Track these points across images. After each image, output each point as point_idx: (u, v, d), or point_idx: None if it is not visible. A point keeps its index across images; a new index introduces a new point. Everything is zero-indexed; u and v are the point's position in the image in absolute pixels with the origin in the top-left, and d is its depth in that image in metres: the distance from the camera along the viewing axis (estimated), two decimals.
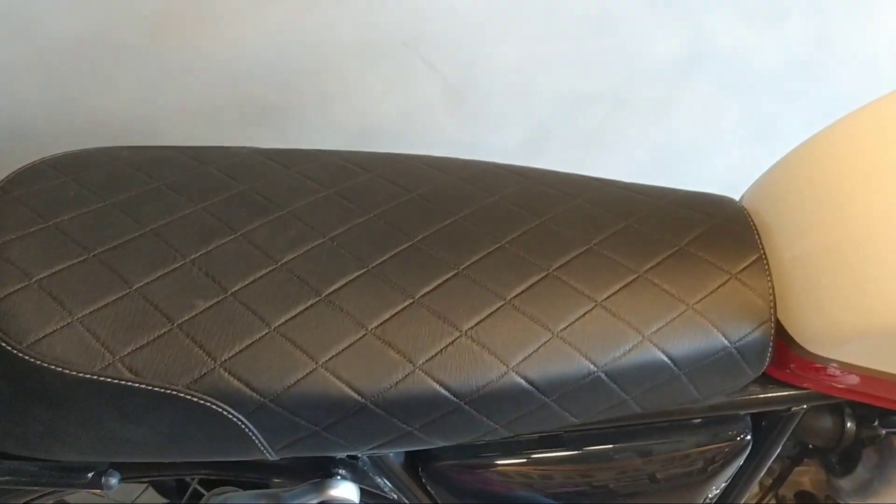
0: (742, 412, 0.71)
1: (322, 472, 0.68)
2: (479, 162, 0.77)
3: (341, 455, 0.68)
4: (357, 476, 0.69)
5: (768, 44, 1.43)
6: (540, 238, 0.67)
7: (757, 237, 0.67)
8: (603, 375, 0.62)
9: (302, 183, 0.69)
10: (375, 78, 1.41)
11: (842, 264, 0.62)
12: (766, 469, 0.73)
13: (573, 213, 0.69)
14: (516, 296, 0.63)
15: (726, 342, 0.63)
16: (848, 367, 0.63)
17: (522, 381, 0.60)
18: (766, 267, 0.65)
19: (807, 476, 0.85)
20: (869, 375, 0.63)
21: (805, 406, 0.71)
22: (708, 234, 0.68)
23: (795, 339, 0.64)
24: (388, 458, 0.70)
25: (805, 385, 0.66)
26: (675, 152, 1.60)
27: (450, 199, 0.69)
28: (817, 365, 0.64)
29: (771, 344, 0.64)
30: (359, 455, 0.70)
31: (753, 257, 0.66)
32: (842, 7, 1.39)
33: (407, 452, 0.71)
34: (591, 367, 0.61)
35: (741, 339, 0.63)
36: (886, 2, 1.39)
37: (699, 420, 0.72)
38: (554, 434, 0.71)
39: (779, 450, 0.73)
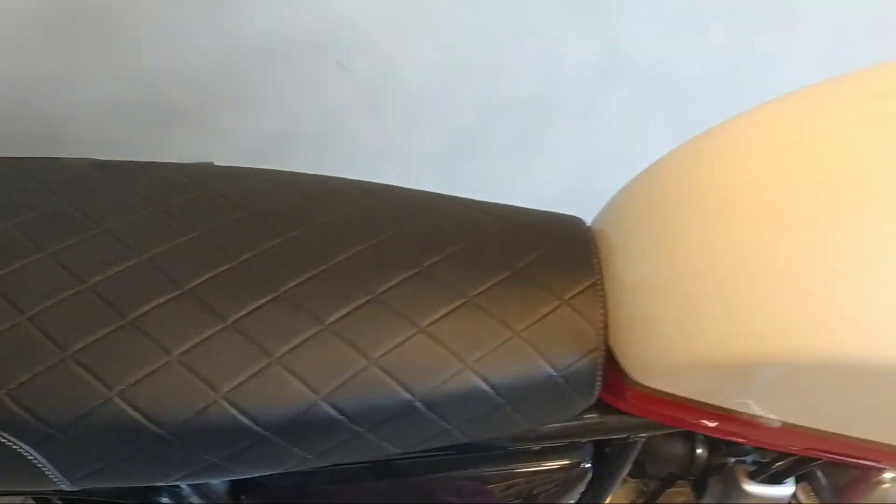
0: (582, 439, 0.69)
1: (141, 499, 0.66)
2: (329, 178, 0.74)
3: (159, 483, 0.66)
4: (180, 502, 0.67)
5: (690, 51, 1.41)
6: (369, 260, 0.65)
7: (596, 261, 0.65)
8: (420, 405, 0.60)
9: (128, 199, 0.67)
10: (290, 80, 1.39)
11: (670, 294, 0.60)
12: (609, 495, 0.71)
13: (411, 233, 0.67)
14: (336, 320, 0.60)
15: (552, 371, 0.61)
16: (676, 399, 0.61)
17: (332, 411, 0.58)
18: (601, 293, 0.63)
19: (681, 497, 0.83)
20: (697, 408, 0.61)
21: (646, 434, 0.69)
22: (546, 257, 0.65)
23: (623, 368, 0.62)
24: (212, 485, 0.68)
25: (640, 414, 0.65)
26: (600, 158, 1.58)
27: (283, 218, 0.67)
28: (647, 395, 0.62)
29: (600, 373, 0.62)
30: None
31: (588, 283, 0.64)
32: (763, 15, 1.37)
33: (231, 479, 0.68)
34: (408, 395, 0.59)
35: (567, 368, 0.61)
36: (806, 9, 1.37)
37: (539, 447, 0.70)
38: (386, 461, 0.69)
39: (622, 476, 0.71)
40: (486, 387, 0.60)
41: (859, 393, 0.56)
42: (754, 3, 1.35)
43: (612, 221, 0.68)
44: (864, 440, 0.60)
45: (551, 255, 0.66)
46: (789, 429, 0.61)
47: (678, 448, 0.73)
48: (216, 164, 1.57)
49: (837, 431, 0.60)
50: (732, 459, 0.73)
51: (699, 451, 0.73)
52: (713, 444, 0.73)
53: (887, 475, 0.70)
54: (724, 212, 0.60)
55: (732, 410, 0.61)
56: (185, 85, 1.38)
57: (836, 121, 0.61)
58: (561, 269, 0.65)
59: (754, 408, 0.60)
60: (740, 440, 0.65)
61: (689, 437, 0.73)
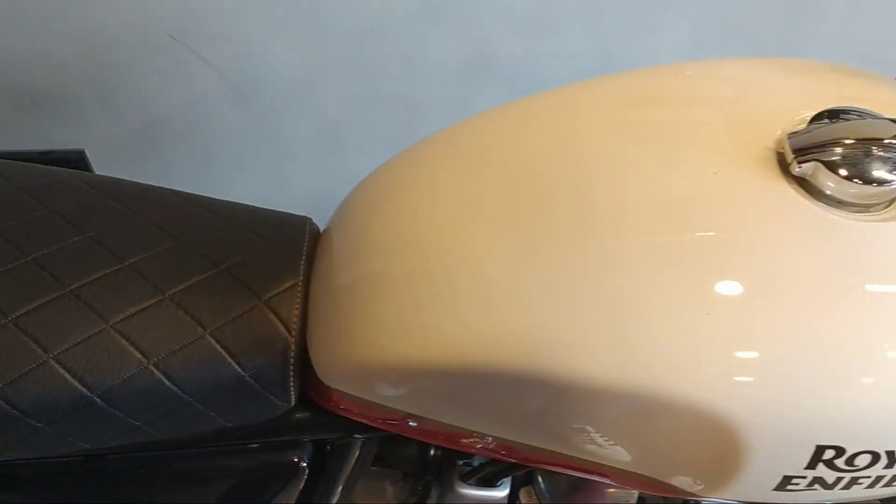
0: (290, 437, 0.70)
1: None
2: (49, 169, 0.74)
3: None
4: None
5: (550, 53, 1.41)
6: (76, 255, 0.64)
7: (303, 262, 0.65)
8: (98, 401, 0.60)
9: None
10: (150, 70, 1.38)
11: (347, 297, 0.60)
12: (335, 495, 0.71)
13: (128, 229, 0.67)
14: (21, 315, 0.60)
15: (240, 370, 0.61)
16: (360, 401, 0.61)
17: (8, 407, 0.58)
18: (300, 294, 0.64)
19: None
20: (382, 410, 0.61)
21: (361, 436, 0.70)
22: (255, 257, 0.66)
23: (315, 368, 0.62)
24: None
25: (341, 413, 0.65)
26: None
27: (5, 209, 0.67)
28: (340, 396, 0.62)
29: (291, 374, 0.62)
30: None
31: (290, 283, 0.64)
32: (622, 21, 1.38)
33: None
34: (85, 392, 0.59)
35: (256, 368, 0.61)
36: (662, 14, 1.37)
37: (257, 445, 0.70)
38: (100, 456, 0.69)
39: (344, 476, 0.71)
40: (169, 384, 0.60)
41: (524, 402, 0.56)
42: (613, 8, 1.36)
43: (337, 222, 0.68)
44: (553, 452, 0.60)
45: (261, 255, 0.66)
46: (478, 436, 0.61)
47: (411, 447, 0.74)
48: (88, 150, 1.56)
49: (520, 441, 0.60)
50: (461, 462, 0.73)
51: (432, 451, 0.74)
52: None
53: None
54: (406, 218, 0.60)
55: (414, 414, 0.61)
56: (42, 72, 1.37)
57: (567, 125, 0.61)
58: (267, 269, 0.65)
59: (432, 413, 0.60)
60: (443, 444, 0.65)
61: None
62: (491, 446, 0.62)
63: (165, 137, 1.49)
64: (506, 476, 0.71)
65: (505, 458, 0.64)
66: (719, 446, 0.53)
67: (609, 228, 0.54)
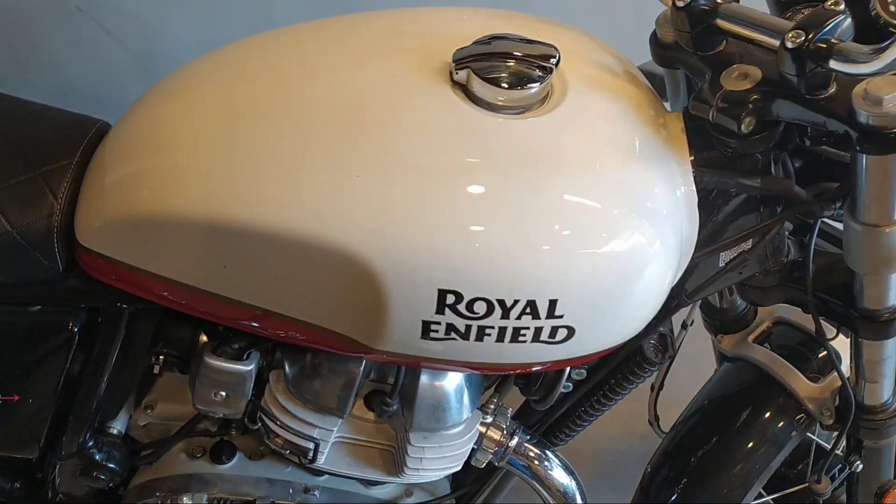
0: (71, 304, 0.80)
1: None
2: None
3: None
4: None
5: None
6: None
7: (81, 147, 0.77)
8: None
9: None
10: (59, 40, 1.51)
11: (110, 161, 0.73)
12: (109, 367, 0.80)
13: None
14: None
15: (8, 227, 0.73)
16: (115, 262, 0.72)
17: None
18: (71, 171, 0.75)
19: None
20: (134, 273, 0.72)
21: (129, 306, 0.80)
22: (44, 141, 0.78)
23: (75, 231, 0.74)
24: None
25: (103, 280, 0.76)
26: None
27: None
28: (99, 260, 0.74)
29: (56, 236, 0.73)
30: None
31: (65, 161, 0.76)
32: None
33: None
34: None
35: (24, 228, 0.73)
36: None
37: (36, 309, 0.81)
38: None
39: (115, 347, 0.80)
40: None
41: (226, 252, 0.68)
42: None
43: (118, 122, 0.80)
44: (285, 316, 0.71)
45: (48, 140, 0.78)
46: (212, 299, 0.72)
47: (184, 330, 0.83)
48: None
49: (257, 304, 0.71)
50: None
51: (202, 336, 0.84)
52: (210, 326, 0.83)
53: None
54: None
55: (160, 276, 0.72)
56: None
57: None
58: (50, 150, 0.77)
59: (175, 272, 0.71)
60: (188, 311, 0.76)
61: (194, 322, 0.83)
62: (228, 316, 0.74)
63: (76, 104, 1.62)
64: (250, 350, 0.81)
65: (247, 329, 0.76)
66: (365, 290, 0.65)
67: (304, 108, 0.68)
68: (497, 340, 0.67)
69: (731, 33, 0.68)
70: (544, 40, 0.71)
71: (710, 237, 0.76)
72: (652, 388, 1.06)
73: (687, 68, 0.73)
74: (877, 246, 0.70)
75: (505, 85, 0.66)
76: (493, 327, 0.66)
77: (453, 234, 0.63)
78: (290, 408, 0.81)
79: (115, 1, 1.46)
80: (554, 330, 0.68)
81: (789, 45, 0.60)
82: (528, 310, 0.66)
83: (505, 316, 0.65)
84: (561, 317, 0.67)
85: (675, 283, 0.75)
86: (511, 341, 0.68)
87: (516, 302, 0.65)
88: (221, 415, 0.85)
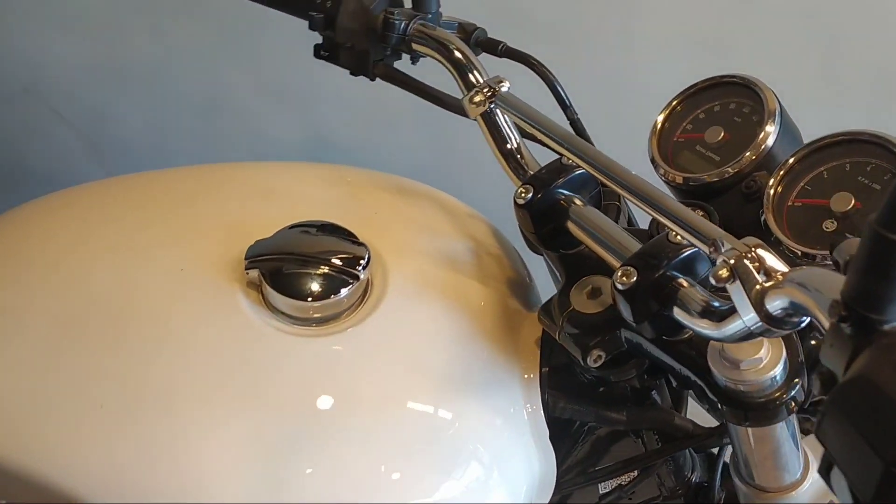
0: None
1: None
2: None
3: None
4: None
5: (385, 143, 1.44)
6: None
7: None
8: None
9: None
10: (10, 121, 1.46)
11: None
12: None
13: None
14: None
15: None
16: None
17: None
18: None
19: None
20: None
21: None
22: None
23: None
24: None
25: None
26: None
27: None
28: None
29: None
30: None
31: None
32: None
33: None
34: None
35: None
36: None
37: None
38: None
39: None
40: None
41: None
42: None
43: None
44: None
45: None
46: None
47: None
48: None
49: None
50: None
51: None
52: None
53: None
54: None
55: None
56: None
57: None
58: None
59: None
60: None
61: None
62: None
63: (29, 183, 1.56)
64: None
65: None
66: None
67: (62, 310, 0.56)
68: None
69: (580, 241, 0.55)
70: (386, 210, 0.59)
71: (576, 466, 0.62)
72: None
73: (547, 258, 0.60)
74: None
75: (299, 294, 0.54)
76: None
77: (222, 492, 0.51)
78: None
79: (66, 86, 1.41)
80: None
81: (619, 286, 0.47)
82: None
83: None
84: None
85: None
86: None
87: None
88: None
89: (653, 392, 0.60)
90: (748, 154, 0.58)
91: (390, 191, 0.66)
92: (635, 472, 0.63)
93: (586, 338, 0.52)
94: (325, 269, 0.55)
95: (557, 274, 0.58)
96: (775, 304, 0.38)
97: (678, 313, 0.46)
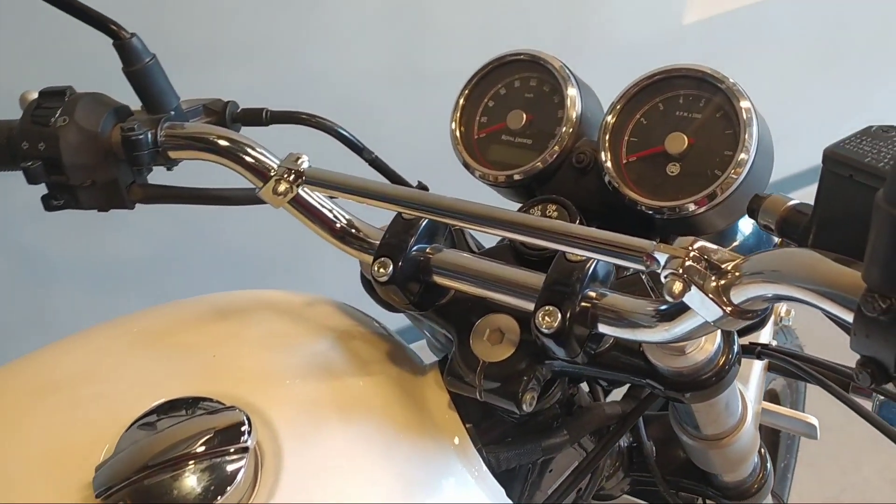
0: None
1: None
2: None
3: None
4: None
5: None
6: None
7: None
8: None
9: None
10: None
11: None
12: None
13: None
14: None
15: None
16: None
17: None
18: None
19: None
20: None
21: None
22: None
23: None
24: None
25: None
26: None
27: None
28: None
29: None
30: None
31: None
32: None
33: None
34: None
35: None
36: None
37: None
38: None
39: None
40: None
41: None
42: None
43: None
44: None
45: None
46: None
47: None
48: None
49: None
50: None
51: None
52: None
53: None
54: None
55: None
56: None
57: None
58: None
59: None
60: None
61: None
62: None
63: None
64: None
65: None
66: None
67: None
68: None
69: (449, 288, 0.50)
70: (223, 347, 0.50)
71: (536, 500, 0.58)
72: None
73: (424, 326, 0.54)
74: (722, 455, 0.56)
75: None
76: None
77: None
78: None
79: None
80: None
81: (546, 330, 0.43)
82: None
83: None
84: None
85: None
86: None
87: None
88: None
89: (575, 396, 0.57)
90: (564, 129, 0.55)
91: (211, 319, 0.55)
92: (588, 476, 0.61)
93: (512, 386, 0.48)
94: (204, 462, 0.44)
95: (440, 329, 0.52)
96: (742, 297, 0.35)
97: (608, 329, 0.43)
